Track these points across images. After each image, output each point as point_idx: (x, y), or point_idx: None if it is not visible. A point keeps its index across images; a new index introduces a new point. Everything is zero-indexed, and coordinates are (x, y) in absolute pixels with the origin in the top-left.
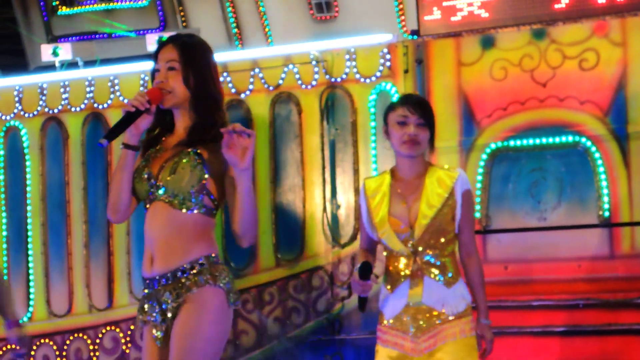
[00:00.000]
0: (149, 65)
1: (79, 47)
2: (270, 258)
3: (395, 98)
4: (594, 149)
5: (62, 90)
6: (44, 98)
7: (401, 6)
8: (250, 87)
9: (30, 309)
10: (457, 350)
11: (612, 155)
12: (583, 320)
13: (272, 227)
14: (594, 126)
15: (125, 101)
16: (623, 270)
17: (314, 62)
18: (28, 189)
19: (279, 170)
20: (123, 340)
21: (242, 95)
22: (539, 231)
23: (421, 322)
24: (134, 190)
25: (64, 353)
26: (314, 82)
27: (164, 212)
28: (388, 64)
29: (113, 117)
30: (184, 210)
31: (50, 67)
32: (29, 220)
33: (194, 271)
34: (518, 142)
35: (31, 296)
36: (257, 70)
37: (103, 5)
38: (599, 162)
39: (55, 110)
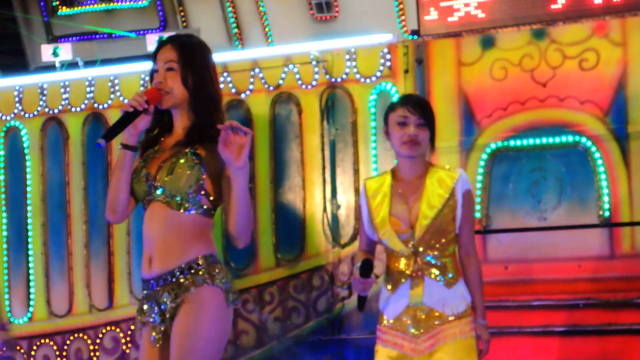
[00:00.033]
0: (149, 65)
1: (79, 47)
2: (271, 258)
3: (395, 98)
4: (594, 148)
5: (62, 90)
6: (44, 98)
7: (401, 6)
8: (251, 87)
9: (31, 309)
10: (456, 351)
11: (612, 155)
12: (583, 320)
13: (272, 227)
14: (594, 126)
15: (126, 101)
16: (623, 270)
17: (314, 62)
18: (28, 189)
19: (279, 170)
20: (123, 341)
21: (242, 95)
22: (539, 231)
23: (421, 323)
24: (132, 190)
25: (64, 353)
26: (314, 82)
27: (162, 212)
28: (388, 64)
29: (113, 117)
30: (181, 211)
31: (50, 67)
32: (29, 221)
33: (192, 271)
34: (518, 142)
35: (31, 296)
36: (257, 70)
37: (103, 6)
38: (599, 162)
39: (56, 111)
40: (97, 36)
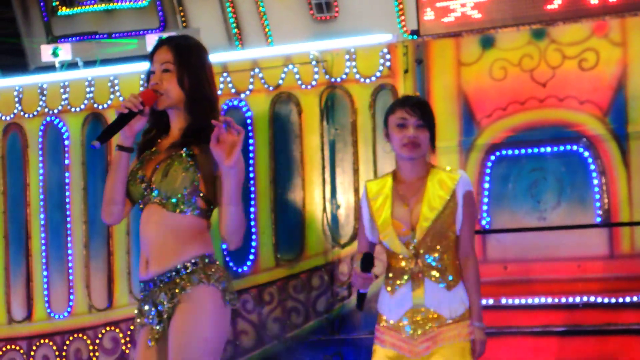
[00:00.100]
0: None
1: (79, 47)
2: (270, 258)
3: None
4: (593, 149)
5: (62, 90)
6: (43, 98)
7: (401, 6)
8: (250, 87)
9: (30, 309)
10: (452, 354)
11: (612, 155)
12: (582, 320)
13: (272, 227)
14: (593, 126)
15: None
16: (623, 270)
17: (313, 62)
18: (28, 189)
19: (278, 170)
20: (123, 341)
21: (242, 95)
22: (538, 231)
23: (419, 325)
24: (128, 192)
25: (64, 353)
26: (313, 82)
27: (158, 214)
28: (388, 64)
29: (113, 118)
30: (177, 212)
31: (50, 67)
32: (29, 221)
33: (188, 271)
34: (518, 142)
35: (31, 296)
36: (257, 70)
37: (103, 6)
38: (599, 162)
39: (55, 111)
40: (97, 36)
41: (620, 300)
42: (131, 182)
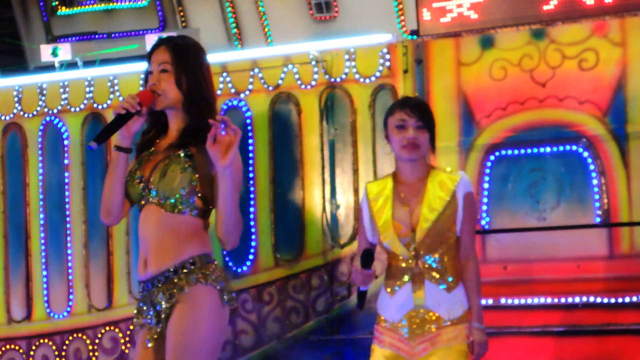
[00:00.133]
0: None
1: (79, 47)
2: (270, 258)
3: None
4: (593, 149)
5: (61, 90)
6: (43, 98)
7: (401, 6)
8: (250, 87)
9: (30, 309)
10: (449, 356)
11: (611, 155)
12: (582, 320)
13: (271, 227)
14: (593, 126)
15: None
16: (622, 270)
17: (313, 62)
18: (27, 189)
19: (278, 170)
20: (122, 341)
21: (242, 95)
22: (538, 231)
23: (418, 325)
24: (127, 193)
25: (63, 353)
26: (313, 82)
27: (156, 215)
28: (387, 64)
29: (112, 118)
30: (175, 213)
31: (49, 67)
32: (28, 220)
33: (185, 271)
34: (517, 142)
35: (30, 296)
36: (256, 70)
37: (103, 6)
38: (598, 162)
39: (55, 111)
40: (97, 36)
41: (620, 300)
42: (129, 183)
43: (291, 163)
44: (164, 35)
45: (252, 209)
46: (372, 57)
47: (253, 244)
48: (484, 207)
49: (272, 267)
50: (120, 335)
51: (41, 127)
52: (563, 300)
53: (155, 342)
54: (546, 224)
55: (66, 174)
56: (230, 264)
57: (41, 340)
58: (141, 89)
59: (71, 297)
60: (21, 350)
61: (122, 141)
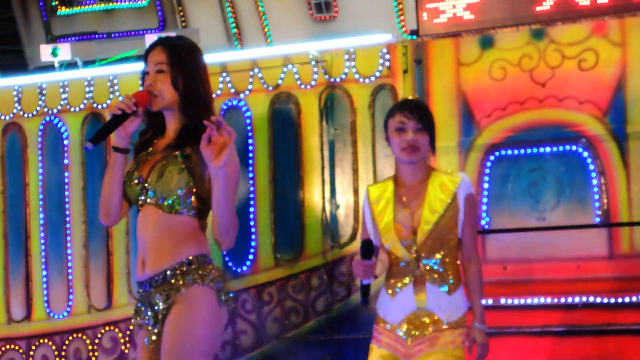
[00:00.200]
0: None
1: (78, 47)
2: (269, 258)
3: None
4: (593, 149)
5: (61, 90)
6: (43, 98)
7: (400, 6)
8: (250, 87)
9: (29, 309)
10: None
11: (611, 155)
12: (582, 320)
13: (271, 227)
14: (593, 126)
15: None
16: (622, 270)
17: (313, 62)
18: (27, 189)
19: (278, 170)
20: (122, 341)
21: (242, 95)
22: (538, 231)
23: (417, 327)
24: (125, 193)
25: (63, 353)
26: (313, 82)
27: (154, 215)
28: (387, 64)
29: None
30: (173, 213)
31: (49, 67)
32: (28, 220)
33: (182, 271)
34: (517, 142)
35: (30, 296)
36: (256, 70)
37: (102, 6)
38: (598, 162)
39: (55, 110)
40: (96, 36)
41: (620, 300)
42: (127, 184)
43: (291, 163)
44: (164, 35)
45: (252, 209)
46: (371, 57)
47: (253, 244)
48: (484, 207)
49: (272, 267)
50: (120, 335)
51: (41, 127)
52: (563, 300)
53: (154, 343)
54: (546, 224)
55: (66, 174)
56: (230, 264)
57: (41, 340)
58: (141, 88)
59: (71, 297)
60: (21, 350)
61: (119, 142)
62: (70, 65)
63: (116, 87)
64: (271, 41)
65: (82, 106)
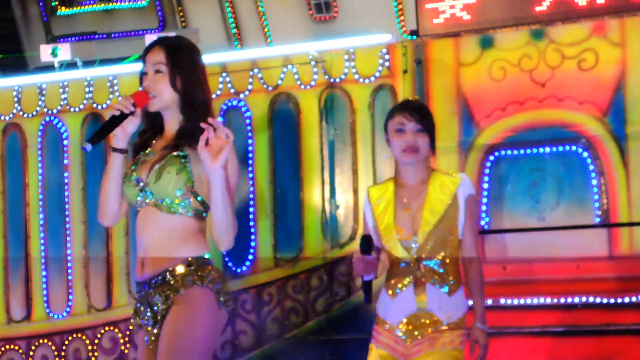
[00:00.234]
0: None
1: (78, 47)
2: (269, 258)
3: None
4: (592, 149)
5: (61, 90)
6: (43, 98)
7: (400, 6)
8: (249, 87)
9: (29, 309)
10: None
11: (611, 155)
12: (581, 320)
13: (271, 227)
14: (592, 126)
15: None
16: (621, 270)
17: (313, 63)
18: (27, 189)
19: (277, 170)
20: (122, 341)
21: (241, 96)
22: (537, 231)
23: (416, 328)
24: (124, 194)
25: (63, 353)
26: (313, 83)
27: (153, 216)
28: (387, 64)
29: None
30: (172, 214)
31: (49, 67)
32: (28, 221)
33: (182, 272)
34: (517, 143)
35: (30, 296)
36: (256, 70)
37: (102, 6)
38: (598, 162)
39: (55, 111)
40: (96, 36)
41: (619, 300)
42: (126, 184)
43: (291, 163)
44: (163, 35)
45: (251, 209)
46: (371, 57)
47: (253, 244)
48: (484, 208)
49: (272, 268)
50: (120, 335)
51: (41, 127)
52: (562, 300)
53: (153, 343)
54: (546, 224)
55: (66, 174)
56: (229, 264)
57: (40, 341)
58: (140, 88)
59: (71, 297)
60: (20, 351)
61: (117, 142)
62: (70, 65)
63: (116, 88)
64: (271, 41)
65: (81, 106)
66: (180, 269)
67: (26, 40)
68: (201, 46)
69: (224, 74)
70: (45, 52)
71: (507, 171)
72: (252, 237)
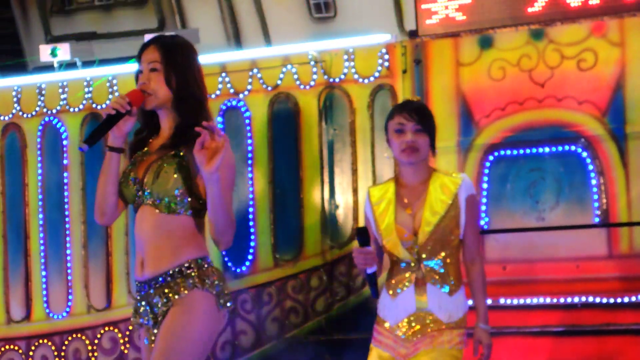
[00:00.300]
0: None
1: (78, 47)
2: (269, 258)
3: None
4: (592, 149)
5: (60, 90)
6: (42, 98)
7: (400, 7)
8: (249, 87)
9: (29, 309)
10: (438, 358)
11: (610, 155)
12: (581, 320)
13: (270, 227)
14: (592, 126)
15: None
16: (621, 270)
17: (312, 63)
18: (27, 189)
19: (277, 170)
20: (121, 341)
21: (241, 96)
22: (537, 231)
23: (416, 328)
24: (121, 193)
25: (63, 353)
26: (312, 83)
27: (152, 216)
28: (386, 64)
29: None
30: (170, 214)
31: (48, 67)
32: (27, 221)
33: (183, 275)
34: (516, 142)
35: (30, 296)
36: (255, 70)
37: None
38: (597, 162)
39: (54, 111)
40: (96, 36)
41: (619, 300)
42: (124, 184)
43: (290, 163)
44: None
45: (251, 209)
46: (371, 57)
47: (252, 244)
48: (483, 208)
49: (272, 268)
50: (120, 335)
51: (40, 128)
52: (562, 300)
53: (154, 342)
54: (545, 224)
55: (65, 174)
56: (229, 264)
57: (40, 341)
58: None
59: (70, 297)
60: (20, 351)
61: (114, 141)
62: (69, 65)
63: (115, 88)
64: (270, 41)
65: (81, 106)
66: (180, 271)
67: (26, 41)
68: (201, 46)
69: (224, 74)
70: (44, 52)
71: (506, 171)
72: (252, 237)
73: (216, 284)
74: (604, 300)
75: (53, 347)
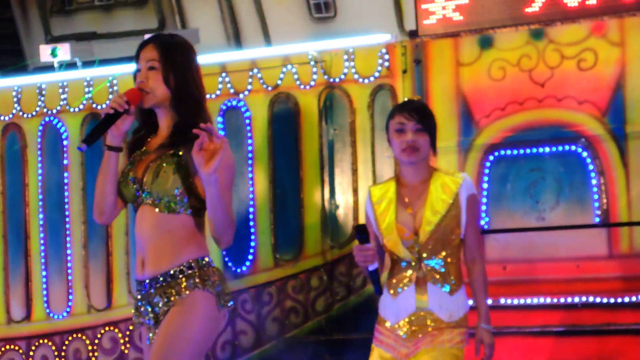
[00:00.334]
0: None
1: (78, 47)
2: (269, 258)
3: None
4: (592, 149)
5: (60, 90)
6: (42, 98)
7: (400, 6)
8: (249, 87)
9: (29, 309)
10: (440, 357)
11: (610, 155)
12: (581, 320)
13: (270, 227)
14: (592, 126)
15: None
16: (621, 270)
17: (312, 63)
18: (27, 189)
19: (277, 170)
20: (122, 341)
21: (241, 96)
22: (537, 231)
23: (417, 327)
24: (120, 193)
25: (63, 353)
26: (312, 83)
27: (152, 215)
28: (386, 64)
29: None
30: (170, 213)
31: (48, 67)
32: (28, 221)
33: (184, 275)
34: (516, 142)
35: (30, 296)
36: (255, 70)
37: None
38: (597, 162)
39: (54, 111)
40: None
41: (619, 300)
42: (122, 184)
43: (290, 163)
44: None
45: (251, 209)
46: (371, 57)
47: (252, 244)
48: (483, 207)
49: (272, 267)
50: (120, 335)
51: (40, 128)
52: (562, 300)
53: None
54: (545, 224)
55: (65, 174)
56: (229, 264)
57: (41, 341)
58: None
59: (70, 297)
60: (21, 351)
61: (112, 140)
62: (69, 65)
63: (115, 88)
64: (270, 41)
65: (81, 106)
66: (182, 271)
67: (26, 41)
68: (201, 46)
69: (224, 74)
70: (44, 52)
71: (506, 171)
72: (252, 237)
73: (217, 284)
74: (604, 300)
75: (53, 347)
